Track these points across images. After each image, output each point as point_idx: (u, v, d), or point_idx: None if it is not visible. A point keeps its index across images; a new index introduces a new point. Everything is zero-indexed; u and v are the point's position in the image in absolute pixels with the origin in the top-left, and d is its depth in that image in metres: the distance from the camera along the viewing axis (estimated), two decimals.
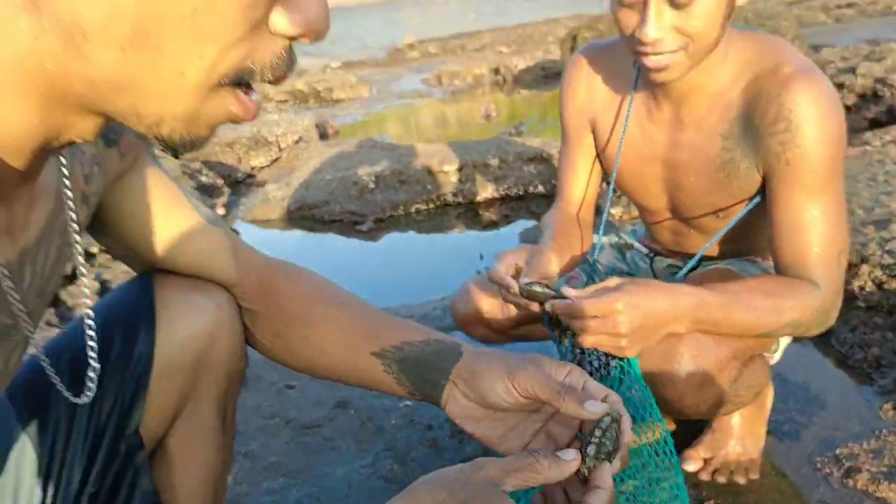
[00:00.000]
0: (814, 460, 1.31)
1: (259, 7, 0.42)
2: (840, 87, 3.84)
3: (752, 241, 1.27)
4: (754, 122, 1.06)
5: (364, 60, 10.95)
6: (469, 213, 3.18)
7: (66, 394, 0.66)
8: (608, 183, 1.29)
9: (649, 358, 1.06)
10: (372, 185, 3.36)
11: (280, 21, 0.44)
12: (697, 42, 0.99)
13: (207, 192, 3.42)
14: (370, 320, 0.79)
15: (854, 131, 3.45)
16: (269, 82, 0.46)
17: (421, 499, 0.52)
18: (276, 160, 4.45)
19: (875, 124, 3.54)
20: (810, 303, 1.03)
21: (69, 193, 0.58)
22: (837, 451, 1.31)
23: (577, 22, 8.78)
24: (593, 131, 1.30)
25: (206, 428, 0.83)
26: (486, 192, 3.25)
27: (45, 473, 0.73)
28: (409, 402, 1.61)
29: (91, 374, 0.65)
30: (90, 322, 0.65)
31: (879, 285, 1.69)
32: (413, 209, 3.23)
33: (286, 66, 0.46)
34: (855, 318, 1.68)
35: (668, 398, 1.06)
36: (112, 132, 0.68)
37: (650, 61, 1.01)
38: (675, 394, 1.06)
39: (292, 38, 0.45)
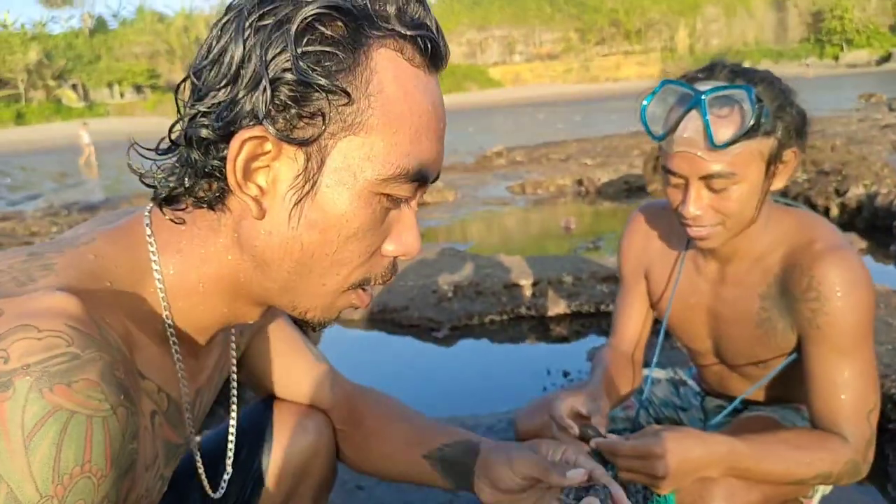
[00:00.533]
0: None
1: (375, 244, 0.65)
2: None
3: (794, 390, 1.35)
4: (790, 288, 1.18)
5: (453, 165, 11.46)
6: (541, 326, 3.30)
7: (208, 488, 0.86)
8: (660, 326, 1.42)
9: (684, 497, 1.15)
10: (450, 294, 3.55)
11: (389, 248, 0.67)
12: (733, 219, 1.13)
13: None
14: (420, 429, 1.00)
15: None
16: (378, 284, 0.69)
17: None
18: None
19: None
20: (840, 456, 1.11)
21: (234, 353, 0.84)
22: None
23: None
24: (647, 279, 1.44)
25: None
26: (559, 307, 3.38)
27: None
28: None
29: (226, 476, 0.88)
30: (232, 437, 0.89)
31: None
32: (487, 319, 3.38)
33: (391, 274, 0.69)
34: None
35: None
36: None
37: (692, 231, 1.17)
38: None
39: (395, 257, 0.68)
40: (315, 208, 0.60)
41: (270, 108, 0.57)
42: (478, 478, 0.91)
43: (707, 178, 1.10)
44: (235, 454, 0.94)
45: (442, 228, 6.32)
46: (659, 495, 1.17)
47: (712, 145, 1.07)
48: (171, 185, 0.63)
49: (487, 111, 35.97)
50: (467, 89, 62.40)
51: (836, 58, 64.67)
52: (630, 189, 7.52)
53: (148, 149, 0.65)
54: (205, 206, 0.63)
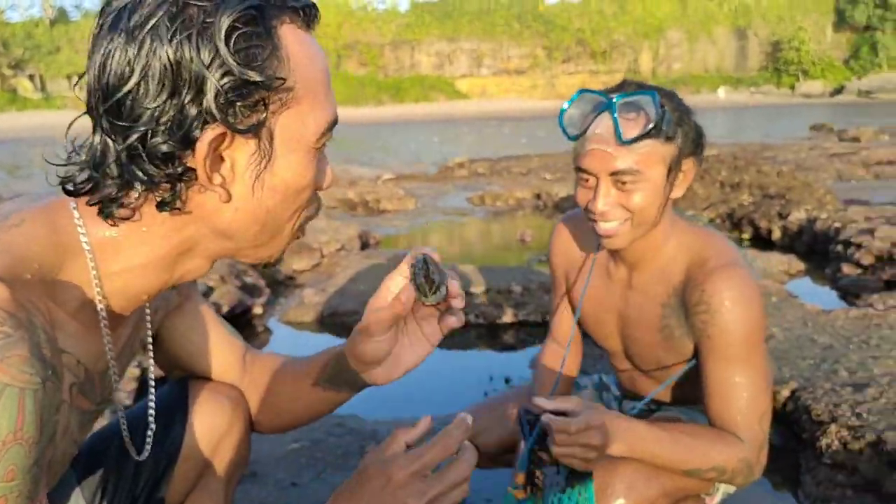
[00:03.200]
0: None
1: (318, 186, 0.75)
2: (858, 246, 4.01)
3: (698, 392, 1.44)
4: (685, 300, 1.27)
5: (415, 174, 11.52)
6: (489, 334, 3.37)
7: (132, 451, 0.91)
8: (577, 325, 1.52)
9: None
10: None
11: (322, 184, 0.76)
12: (638, 216, 1.22)
13: (249, 291, 3.70)
14: (306, 366, 1.04)
15: (868, 290, 3.57)
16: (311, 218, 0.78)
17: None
18: (317, 265, 4.76)
19: (891, 286, 3.66)
20: (735, 452, 1.19)
21: (148, 318, 0.88)
22: None
23: None
24: (566, 282, 1.53)
25: (214, 500, 1.05)
26: (507, 316, 3.45)
27: None
28: None
29: (148, 439, 0.91)
30: (152, 403, 0.93)
31: (844, 445, 1.80)
32: None
33: (319, 204, 0.79)
34: (820, 473, 1.79)
35: None
36: None
37: (600, 228, 1.25)
38: None
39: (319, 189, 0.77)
40: (274, 176, 0.69)
41: (221, 108, 0.63)
42: (359, 371, 0.92)
43: (615, 175, 1.19)
44: (154, 426, 0.96)
45: (398, 236, 6.36)
46: (579, 482, 1.24)
47: (620, 141, 1.17)
48: (111, 195, 0.66)
49: (453, 122, 36.17)
50: (434, 100, 62.65)
51: (793, 87, 66.76)
52: None
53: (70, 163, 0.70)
54: (165, 209, 0.67)
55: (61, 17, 64.81)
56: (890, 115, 15.45)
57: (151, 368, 0.92)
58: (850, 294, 3.68)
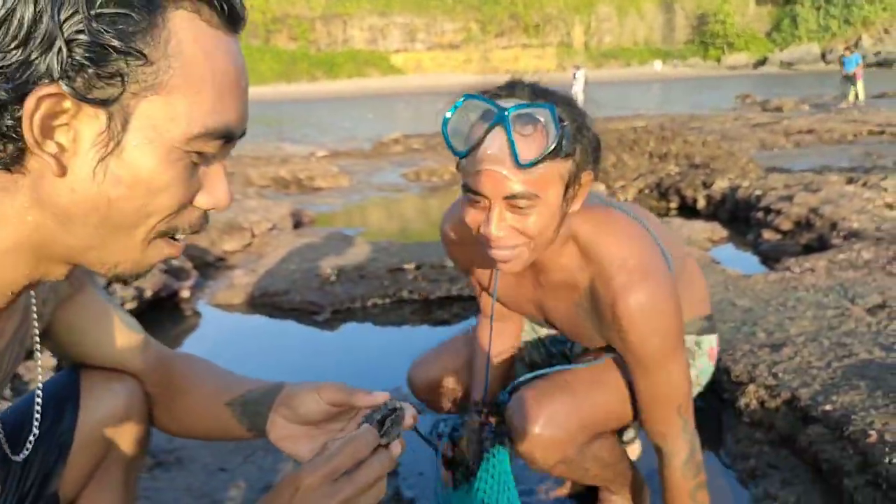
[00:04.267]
0: None
1: (185, 198, 0.67)
2: (778, 212, 4.16)
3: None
4: (598, 312, 1.26)
5: (349, 151, 11.37)
6: (423, 309, 3.36)
7: (7, 450, 0.85)
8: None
9: (516, 418, 1.31)
10: (333, 278, 3.55)
11: (201, 201, 0.69)
12: (534, 241, 1.14)
13: (175, 274, 3.59)
14: (228, 382, 1.00)
15: (787, 255, 3.72)
16: (188, 234, 0.70)
17: None
18: (247, 245, 4.65)
19: (809, 250, 3.82)
20: (684, 459, 1.29)
21: (35, 322, 0.83)
22: None
23: None
24: (476, 276, 1.52)
25: (112, 492, 1.00)
26: (441, 291, 3.45)
27: None
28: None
29: (31, 437, 0.86)
30: (39, 400, 0.88)
31: (762, 403, 1.87)
32: (370, 303, 3.41)
33: (201, 226, 0.71)
34: (740, 431, 1.86)
35: (522, 451, 1.31)
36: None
37: (494, 254, 1.15)
38: (527, 448, 1.29)
39: (207, 209, 0.70)
40: (121, 165, 0.62)
41: (67, 68, 0.58)
42: (274, 411, 0.90)
43: (510, 199, 1.08)
44: (40, 422, 0.91)
45: (333, 214, 6.28)
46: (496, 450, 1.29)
47: (518, 164, 1.05)
48: None
49: (388, 98, 35.82)
50: (368, 75, 61.81)
51: (718, 60, 68.70)
52: None
53: None
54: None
55: None
56: (810, 86, 16.12)
57: (39, 368, 0.87)
58: (770, 259, 3.83)
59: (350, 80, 57.90)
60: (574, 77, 24.60)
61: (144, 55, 0.59)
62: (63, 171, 0.61)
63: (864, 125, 9.52)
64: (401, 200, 7.00)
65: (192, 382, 1.02)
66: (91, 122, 0.60)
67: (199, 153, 0.65)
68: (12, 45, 0.57)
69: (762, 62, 65.75)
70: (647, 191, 5.68)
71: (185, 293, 3.50)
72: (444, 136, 1.10)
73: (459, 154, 1.10)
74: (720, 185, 5.09)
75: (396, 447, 0.75)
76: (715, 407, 2.09)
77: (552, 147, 1.05)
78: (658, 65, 61.90)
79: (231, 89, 0.65)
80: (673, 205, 5.42)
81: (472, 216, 1.14)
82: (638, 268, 1.20)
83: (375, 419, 0.76)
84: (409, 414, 0.78)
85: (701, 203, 5.12)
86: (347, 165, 9.11)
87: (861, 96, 15.96)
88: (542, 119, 1.06)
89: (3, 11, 0.57)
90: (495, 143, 1.06)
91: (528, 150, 1.05)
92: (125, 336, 1.00)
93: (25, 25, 0.57)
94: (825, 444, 1.65)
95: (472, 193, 1.11)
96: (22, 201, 0.63)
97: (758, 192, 4.63)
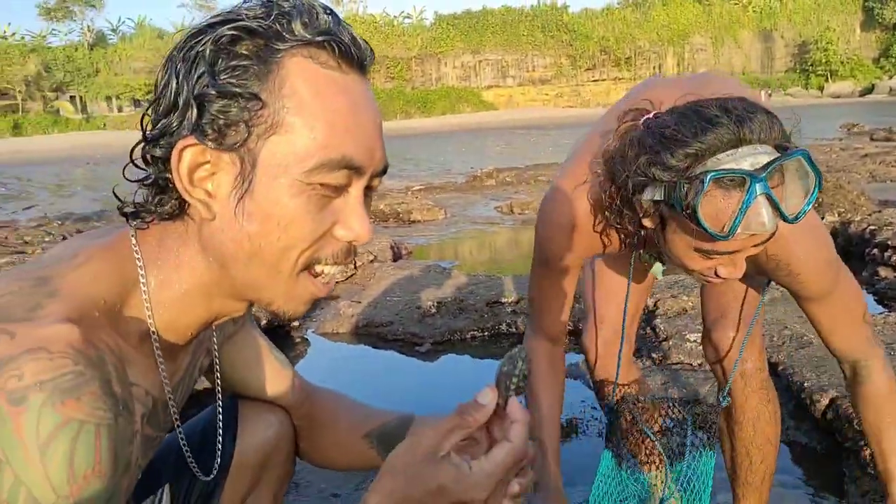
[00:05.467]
0: None
1: (320, 230, 0.72)
2: (895, 249, 3.95)
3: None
4: (760, 264, 1.24)
5: (444, 185, 11.57)
6: (520, 343, 3.38)
7: (198, 472, 0.95)
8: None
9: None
10: (434, 311, 3.63)
11: (340, 233, 0.74)
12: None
13: None
14: (365, 415, 1.08)
15: None
16: (332, 265, 0.75)
17: (383, 486, 0.68)
18: (350, 276, 4.82)
19: None
20: (884, 359, 1.31)
21: (216, 352, 0.93)
22: None
23: None
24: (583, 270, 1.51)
25: None
26: None
27: None
28: None
29: (217, 459, 0.96)
30: (220, 423, 0.98)
31: None
32: (469, 335, 3.46)
33: (344, 257, 0.76)
34: (865, 483, 1.77)
35: None
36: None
37: (712, 279, 1.12)
38: None
39: (350, 242, 0.75)
40: (254, 202, 0.69)
41: (202, 122, 0.67)
42: (416, 423, 0.98)
43: (760, 244, 1.05)
44: (203, 448, 1.00)
45: (429, 246, 6.41)
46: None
47: (788, 220, 1.00)
48: (139, 200, 0.73)
49: (480, 133, 36.24)
50: (461, 111, 62.83)
51: (821, 88, 65.70)
52: None
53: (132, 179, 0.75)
54: (168, 218, 0.73)
55: (99, 40, 66.43)
56: None
57: (219, 392, 0.97)
58: (887, 298, 3.63)
59: (443, 117, 59.06)
60: None
61: (260, 98, 0.67)
62: (213, 215, 0.70)
63: None
64: (495, 233, 7.06)
65: (333, 416, 1.11)
66: (229, 169, 0.69)
67: (326, 185, 0.70)
68: (165, 114, 0.69)
69: (869, 90, 62.40)
70: None
71: (295, 322, 3.67)
72: (699, 223, 0.99)
73: (722, 237, 1.00)
74: (829, 219, 4.88)
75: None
76: (835, 454, 2.01)
77: (817, 190, 1.00)
78: (764, 95, 59.95)
79: (344, 122, 0.70)
80: None
81: (703, 266, 1.10)
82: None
83: (504, 381, 0.70)
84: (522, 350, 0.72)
85: None
86: (442, 199, 9.28)
87: None
88: (797, 165, 1.00)
89: (161, 85, 0.69)
90: (760, 213, 0.97)
91: (795, 203, 1.00)
92: (278, 372, 1.09)
93: (172, 94, 0.68)
94: None
95: (717, 254, 1.06)
96: (194, 248, 0.73)
97: (872, 228, 4.40)
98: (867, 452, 1.82)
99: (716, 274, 1.10)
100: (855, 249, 4.47)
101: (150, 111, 0.71)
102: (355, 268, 4.92)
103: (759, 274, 1.29)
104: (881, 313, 3.01)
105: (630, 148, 1.07)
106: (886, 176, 8.22)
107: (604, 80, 67.78)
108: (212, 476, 0.96)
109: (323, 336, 3.60)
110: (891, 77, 63.58)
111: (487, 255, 6.26)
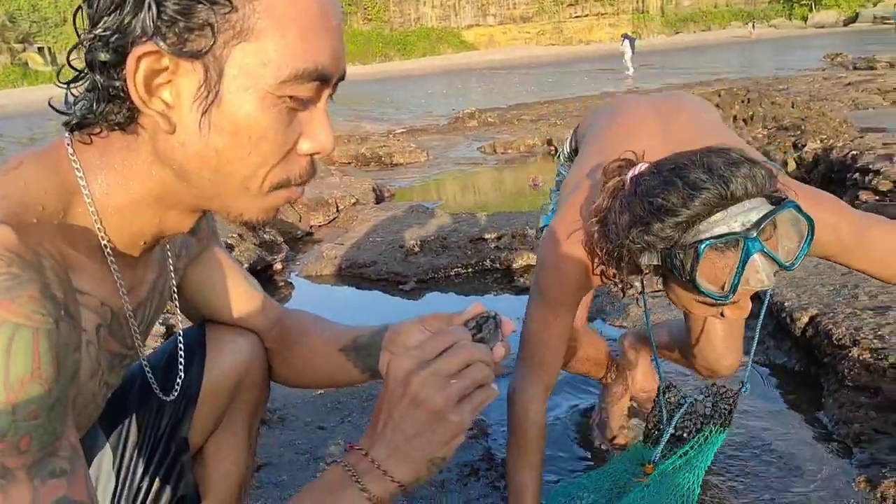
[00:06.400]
0: None
1: (288, 144, 0.68)
2: (876, 172, 3.95)
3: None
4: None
5: (426, 127, 11.43)
6: (504, 278, 3.38)
7: (158, 392, 0.93)
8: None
9: None
10: (417, 249, 3.61)
11: (304, 146, 0.70)
12: None
13: (268, 248, 3.73)
14: (340, 331, 1.04)
15: (888, 216, 3.53)
16: (300, 184, 0.72)
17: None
18: (333, 220, 4.78)
19: None
20: None
21: (171, 265, 0.87)
22: None
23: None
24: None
25: (236, 438, 1.08)
26: (522, 259, 3.46)
27: (118, 466, 0.96)
28: None
29: (178, 379, 0.94)
30: (181, 344, 0.95)
31: (866, 367, 1.81)
32: (453, 272, 3.45)
33: (309, 174, 0.72)
34: (843, 395, 1.80)
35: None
36: (194, 228, 0.95)
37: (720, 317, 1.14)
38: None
39: (312, 154, 0.71)
40: (222, 116, 0.64)
41: (159, 24, 0.61)
42: (384, 349, 0.92)
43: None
44: (170, 374, 0.98)
45: (412, 188, 6.36)
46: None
47: (785, 269, 1.03)
48: (82, 111, 0.67)
49: (462, 74, 35.64)
50: (442, 52, 61.62)
51: (805, 18, 64.85)
52: None
53: (64, 83, 0.69)
54: (117, 128, 0.67)
55: None
56: None
57: (178, 313, 0.93)
58: None
59: (423, 59, 57.93)
60: (623, 45, 23.81)
61: (229, 1, 0.61)
62: (173, 127, 0.65)
63: None
64: (478, 173, 7.01)
65: (306, 334, 1.07)
66: (190, 77, 0.63)
67: (295, 97, 0.66)
68: (111, 9, 0.62)
69: (853, 19, 61.68)
70: None
71: (278, 266, 3.65)
72: (699, 290, 1.03)
73: (723, 298, 1.03)
74: (812, 146, 4.86)
75: (500, 350, 0.74)
76: (813, 371, 2.04)
77: (810, 237, 1.02)
78: (752, 27, 58.70)
79: (316, 28, 0.65)
80: None
81: (708, 312, 1.13)
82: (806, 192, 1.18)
83: (471, 325, 0.75)
84: (506, 321, 0.77)
85: (791, 166, 4.90)
86: (424, 141, 9.17)
87: None
88: (789, 216, 1.02)
89: None
90: (757, 270, 1.00)
91: (789, 250, 1.03)
92: (247, 294, 1.05)
93: None
94: None
95: (721, 305, 1.08)
96: (144, 158, 0.68)
97: (854, 153, 4.39)
98: (845, 366, 1.85)
99: (722, 316, 1.12)
100: (836, 175, 4.47)
101: (85, 4, 0.64)
102: (337, 211, 4.87)
103: None
104: None
105: (621, 215, 1.09)
106: (868, 103, 8.18)
107: (586, 15, 66.50)
108: (172, 397, 0.94)
109: (306, 279, 3.58)
110: (875, 4, 62.87)
111: (471, 194, 6.22)
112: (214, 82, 0.63)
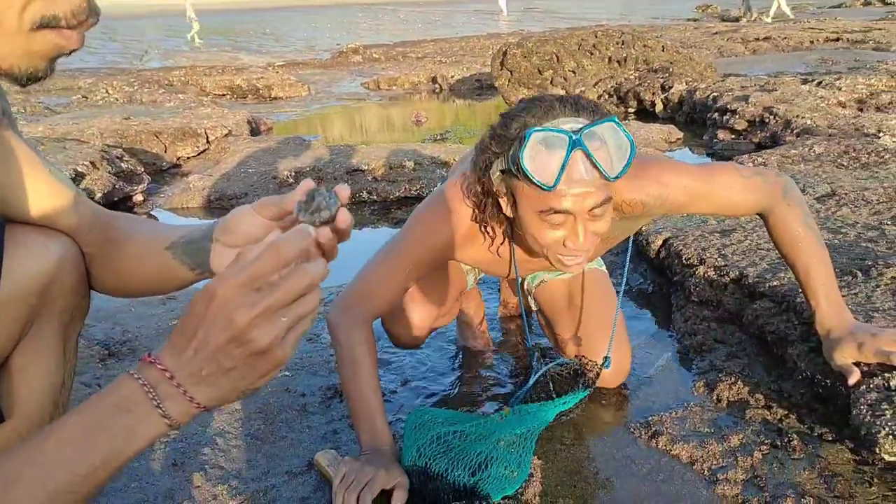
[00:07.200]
0: (629, 425, 1.52)
1: None
2: (733, 112, 4.19)
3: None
4: (632, 216, 1.39)
5: (307, 61, 11.02)
6: (382, 210, 3.35)
7: None
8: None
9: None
10: (291, 180, 3.50)
11: None
12: (602, 236, 1.25)
13: (126, 178, 3.50)
14: (166, 230, 0.96)
15: (742, 153, 3.77)
16: (74, 28, 0.63)
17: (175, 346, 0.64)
18: (203, 152, 4.54)
19: (760, 147, 3.87)
20: (783, 202, 1.39)
21: None
22: (649, 418, 1.52)
23: (514, 39, 9.09)
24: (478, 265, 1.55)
25: (47, 350, 0.96)
26: (399, 191, 3.43)
27: None
28: (287, 373, 1.77)
29: None
30: None
31: (710, 283, 1.94)
32: None
33: (86, 14, 0.63)
34: (689, 310, 1.93)
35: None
36: None
37: (569, 261, 1.25)
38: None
39: None
40: None
41: None
42: (215, 241, 0.85)
43: (594, 209, 1.18)
44: None
45: (292, 122, 6.14)
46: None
47: (607, 179, 1.15)
48: None
49: (347, 8, 34.47)
50: None
51: None
52: (482, 87, 7.62)
53: None
54: None
55: None
56: None
57: None
58: (724, 157, 3.88)
59: None
60: None
61: None
62: None
63: (820, 33, 9.51)
64: (361, 109, 6.86)
65: (129, 234, 0.97)
66: None
67: None
68: None
69: None
70: (606, 95, 5.65)
71: (139, 197, 3.43)
72: (526, 175, 1.14)
73: (548, 188, 1.14)
74: (678, 88, 5.09)
75: (344, 215, 0.66)
76: (665, 290, 2.16)
77: (632, 152, 1.15)
78: None
79: None
80: (631, 109, 5.41)
81: (551, 235, 1.22)
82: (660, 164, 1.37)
83: (301, 203, 0.66)
84: (340, 187, 0.68)
85: (659, 107, 5.12)
86: (306, 76, 8.85)
87: (784, 10, 14.58)
88: (611, 131, 1.15)
89: None
90: (579, 166, 1.14)
91: (612, 163, 1.15)
92: (55, 190, 0.93)
93: None
94: (771, 318, 1.72)
95: (554, 214, 1.18)
96: None
97: (714, 94, 4.64)
98: (692, 283, 1.97)
99: (565, 246, 1.22)
100: (698, 115, 4.72)
101: None
102: (208, 143, 4.62)
103: (633, 223, 1.44)
104: None
105: (486, 138, 1.26)
106: (732, 52, 8.65)
107: None
108: None
109: (171, 211, 3.39)
110: None
111: (352, 129, 6.09)
112: None
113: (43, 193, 0.92)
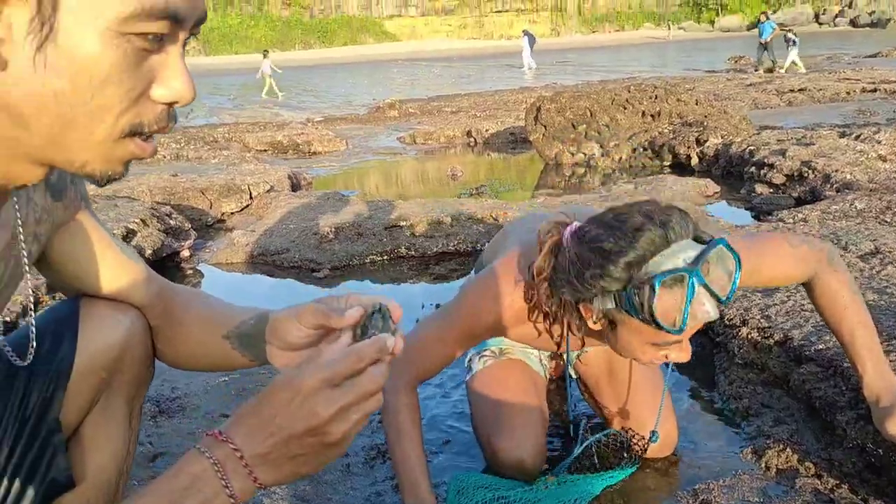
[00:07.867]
0: (676, 494, 1.50)
1: (138, 89, 0.63)
2: (770, 167, 4.18)
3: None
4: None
5: (345, 116, 11.31)
6: (420, 265, 3.39)
7: (13, 357, 0.86)
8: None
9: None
10: (331, 236, 3.57)
11: (158, 93, 0.64)
12: None
13: (174, 234, 3.60)
14: (221, 311, 0.99)
15: (780, 208, 3.75)
16: (156, 132, 0.67)
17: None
18: (246, 207, 4.66)
19: (801, 203, 3.85)
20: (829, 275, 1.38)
21: (21, 231, 0.80)
22: (697, 486, 1.50)
23: (547, 93, 9.22)
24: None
25: (115, 420, 1.00)
26: (437, 247, 3.48)
27: None
28: None
29: (32, 345, 0.87)
30: (31, 313, 0.87)
31: (755, 345, 1.92)
32: (368, 259, 3.44)
33: (167, 122, 0.66)
34: (733, 372, 1.91)
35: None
36: (58, 192, 0.88)
37: (656, 363, 1.27)
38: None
39: (170, 104, 0.66)
40: (59, 54, 0.58)
41: None
42: (269, 342, 0.88)
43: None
44: (37, 346, 0.90)
45: (330, 177, 6.28)
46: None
47: (724, 303, 1.15)
48: None
49: (383, 65, 35.39)
50: (363, 42, 61.00)
51: (713, 22, 67.84)
52: (515, 140, 7.73)
53: None
54: None
55: None
56: (803, 46, 16.01)
57: (27, 276, 0.84)
58: (762, 212, 3.85)
59: (345, 48, 57.16)
60: (523, 41, 24.28)
61: None
62: (3, 63, 0.58)
63: (857, 83, 9.48)
64: (398, 163, 6.99)
65: (188, 314, 1.01)
66: (21, 7, 0.56)
67: (143, 36, 0.59)
68: None
69: (755, 24, 65.07)
70: (640, 149, 5.68)
71: (185, 252, 3.53)
72: (658, 324, 1.12)
73: (676, 331, 1.13)
74: (713, 141, 5.11)
75: (398, 343, 0.71)
76: (709, 351, 2.14)
77: (738, 270, 1.14)
78: (669, 28, 60.69)
79: None
80: (666, 162, 5.43)
81: (652, 354, 1.22)
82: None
83: (366, 323, 0.74)
84: (393, 306, 0.75)
85: (694, 160, 5.14)
86: (344, 130, 9.07)
87: (797, 66, 14.66)
88: (719, 254, 1.13)
89: None
90: (704, 306, 1.12)
91: (724, 286, 1.14)
92: (126, 266, 0.98)
93: None
94: (818, 382, 1.70)
95: (668, 345, 1.19)
96: None
97: (751, 148, 4.64)
98: (735, 345, 1.95)
99: (665, 358, 1.22)
100: (735, 169, 4.71)
101: None
102: (251, 198, 4.75)
103: None
104: (755, 224, 3.20)
105: (572, 265, 1.19)
106: (766, 104, 8.66)
107: (507, 11, 67.37)
108: (27, 360, 0.87)
109: (216, 266, 3.48)
110: (775, 12, 66.34)
111: (389, 183, 6.20)
112: (49, 14, 0.56)
113: (114, 270, 0.97)
